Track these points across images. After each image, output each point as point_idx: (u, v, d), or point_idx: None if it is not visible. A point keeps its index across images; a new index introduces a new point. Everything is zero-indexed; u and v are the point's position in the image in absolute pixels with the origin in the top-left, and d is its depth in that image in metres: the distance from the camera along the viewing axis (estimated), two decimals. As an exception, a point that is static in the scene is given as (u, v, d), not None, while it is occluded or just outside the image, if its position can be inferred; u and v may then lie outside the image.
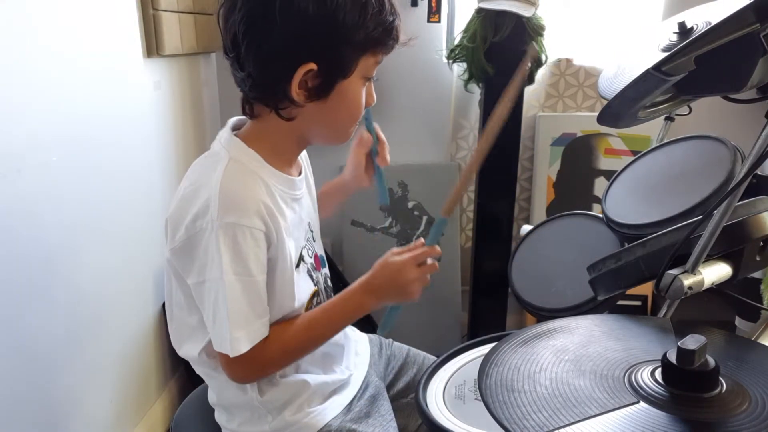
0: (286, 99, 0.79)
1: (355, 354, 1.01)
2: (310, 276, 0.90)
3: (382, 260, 0.87)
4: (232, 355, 0.79)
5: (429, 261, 0.88)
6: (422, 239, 0.89)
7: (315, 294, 0.91)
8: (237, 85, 0.83)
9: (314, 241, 0.95)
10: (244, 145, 0.83)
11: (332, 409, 0.91)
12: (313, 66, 0.77)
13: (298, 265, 0.87)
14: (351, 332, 1.04)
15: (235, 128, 0.87)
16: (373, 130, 0.98)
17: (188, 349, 0.89)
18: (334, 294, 0.92)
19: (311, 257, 0.92)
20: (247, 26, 0.76)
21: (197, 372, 0.92)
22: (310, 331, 0.85)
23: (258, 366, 0.83)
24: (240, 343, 0.78)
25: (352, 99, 0.83)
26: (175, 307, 0.88)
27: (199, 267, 0.79)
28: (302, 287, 0.87)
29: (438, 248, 0.88)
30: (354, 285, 0.87)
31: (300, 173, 0.91)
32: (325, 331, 0.87)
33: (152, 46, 1.46)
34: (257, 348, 0.80)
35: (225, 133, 0.85)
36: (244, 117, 0.86)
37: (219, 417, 0.94)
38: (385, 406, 0.97)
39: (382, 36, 0.80)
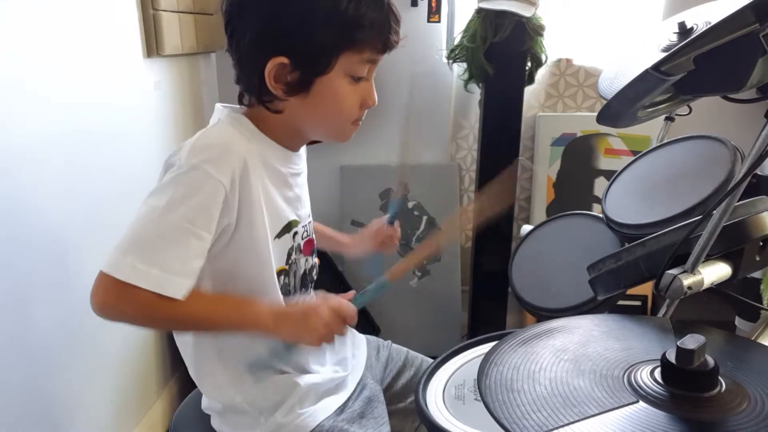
0: (267, 92, 0.80)
1: (352, 356, 1.00)
2: (288, 254, 0.87)
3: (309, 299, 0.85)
4: (105, 270, 0.70)
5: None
6: (354, 292, 0.88)
7: (283, 273, 0.87)
8: None
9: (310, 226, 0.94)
10: (243, 116, 0.83)
11: (325, 409, 0.89)
12: (284, 60, 0.77)
13: (280, 236, 0.85)
14: (349, 334, 1.03)
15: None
16: (393, 222, 1.05)
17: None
18: (313, 286, 0.93)
19: (303, 239, 0.91)
20: (227, 20, 0.80)
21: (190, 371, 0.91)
22: (192, 305, 0.75)
23: (121, 300, 0.72)
24: (125, 269, 0.70)
25: (336, 97, 0.81)
26: None
27: (152, 191, 0.75)
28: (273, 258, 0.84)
29: (355, 318, 0.82)
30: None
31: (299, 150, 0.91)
32: (208, 315, 0.78)
33: (152, 46, 1.46)
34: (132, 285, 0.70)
35: (221, 106, 0.86)
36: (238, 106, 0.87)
37: (214, 422, 0.92)
38: (380, 409, 0.95)
39: (360, 33, 0.77)
